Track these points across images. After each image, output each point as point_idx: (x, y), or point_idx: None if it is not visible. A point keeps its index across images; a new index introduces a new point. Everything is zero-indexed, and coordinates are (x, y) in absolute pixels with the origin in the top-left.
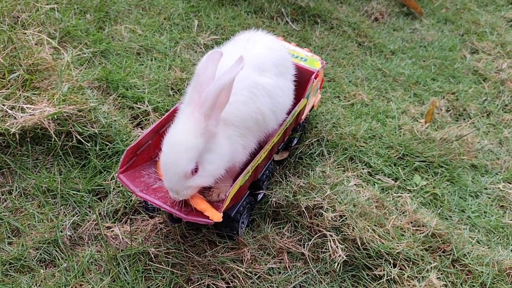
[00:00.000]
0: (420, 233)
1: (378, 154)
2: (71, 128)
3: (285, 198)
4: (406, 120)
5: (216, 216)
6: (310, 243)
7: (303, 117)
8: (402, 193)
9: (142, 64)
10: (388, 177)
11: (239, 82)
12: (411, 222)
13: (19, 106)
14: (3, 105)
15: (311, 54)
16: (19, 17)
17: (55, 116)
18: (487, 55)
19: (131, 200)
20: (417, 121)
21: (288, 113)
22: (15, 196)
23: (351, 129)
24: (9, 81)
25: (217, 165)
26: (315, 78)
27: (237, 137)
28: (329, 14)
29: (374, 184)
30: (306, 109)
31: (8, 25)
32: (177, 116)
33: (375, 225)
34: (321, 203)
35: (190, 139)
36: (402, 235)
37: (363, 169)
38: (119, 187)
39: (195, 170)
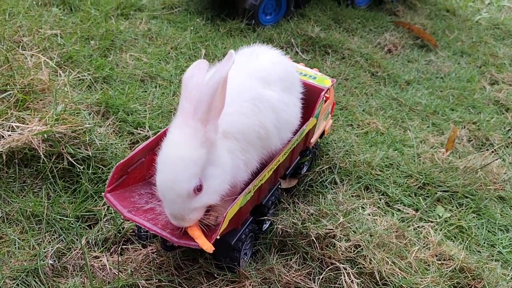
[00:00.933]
0: (447, 267)
1: (396, 183)
2: (62, 149)
3: (292, 226)
4: (426, 149)
5: (206, 245)
6: (321, 277)
7: (313, 141)
8: (424, 224)
9: (146, 91)
10: (408, 207)
11: (241, 92)
12: (436, 255)
13: (8, 125)
14: None
15: (320, 73)
16: (21, 41)
17: (45, 136)
18: (508, 85)
19: (123, 228)
20: (438, 150)
21: (295, 133)
22: None
23: (366, 157)
24: (1, 100)
25: (221, 180)
26: (325, 96)
27: (238, 151)
28: (340, 45)
29: (393, 214)
30: (316, 133)
31: (6, 46)
32: (168, 130)
33: (395, 257)
34: (334, 232)
35: (189, 151)
36: (427, 269)
37: (379, 199)
38: (111, 213)
39: (199, 188)
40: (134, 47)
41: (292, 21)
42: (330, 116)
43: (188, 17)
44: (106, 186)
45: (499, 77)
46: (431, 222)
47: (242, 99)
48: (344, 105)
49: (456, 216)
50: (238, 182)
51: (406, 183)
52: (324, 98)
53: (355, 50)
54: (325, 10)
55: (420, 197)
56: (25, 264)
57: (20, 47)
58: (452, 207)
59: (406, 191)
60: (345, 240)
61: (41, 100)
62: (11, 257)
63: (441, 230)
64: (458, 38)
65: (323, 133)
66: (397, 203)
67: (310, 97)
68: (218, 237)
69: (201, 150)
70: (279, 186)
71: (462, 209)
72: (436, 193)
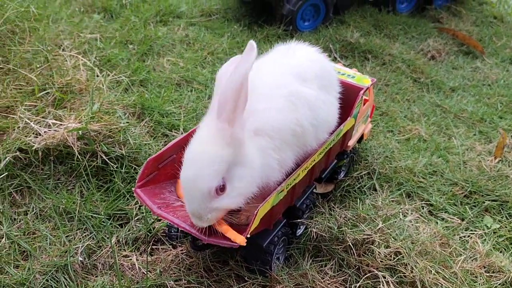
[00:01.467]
0: (496, 280)
1: (440, 191)
2: (97, 147)
3: (328, 230)
4: (472, 156)
5: (239, 238)
6: (358, 285)
7: (351, 144)
8: (471, 234)
9: (181, 94)
10: (453, 216)
11: (277, 88)
12: (484, 267)
13: (45, 122)
14: (28, 119)
15: (360, 73)
16: (62, 45)
17: (80, 133)
18: None
19: (153, 228)
20: (485, 158)
21: (332, 134)
22: (30, 217)
23: (407, 163)
24: (40, 99)
25: (248, 182)
26: (364, 97)
27: (271, 150)
28: (381, 50)
29: (436, 222)
30: (355, 136)
31: (47, 46)
32: (198, 127)
33: (439, 266)
34: (372, 237)
35: (215, 149)
36: (474, 281)
37: (422, 206)
38: (142, 213)
39: (222, 189)
40: (172, 52)
41: (330, 27)
42: (370, 119)
43: (225, 24)
44: (136, 181)
45: None
46: (481, 234)
47: (277, 95)
48: (384, 111)
49: (506, 227)
50: (271, 182)
51: (451, 191)
52: (363, 100)
53: (396, 55)
54: (365, 17)
55: (466, 206)
56: (55, 259)
57: (61, 49)
58: (502, 217)
59: (451, 200)
60: (384, 246)
61: (78, 99)
62: (42, 252)
63: (489, 241)
64: (506, 45)
65: (361, 137)
66: (441, 212)
67: (348, 97)
68: (248, 235)
69: (227, 149)
70: (315, 190)
71: None
72: (484, 202)
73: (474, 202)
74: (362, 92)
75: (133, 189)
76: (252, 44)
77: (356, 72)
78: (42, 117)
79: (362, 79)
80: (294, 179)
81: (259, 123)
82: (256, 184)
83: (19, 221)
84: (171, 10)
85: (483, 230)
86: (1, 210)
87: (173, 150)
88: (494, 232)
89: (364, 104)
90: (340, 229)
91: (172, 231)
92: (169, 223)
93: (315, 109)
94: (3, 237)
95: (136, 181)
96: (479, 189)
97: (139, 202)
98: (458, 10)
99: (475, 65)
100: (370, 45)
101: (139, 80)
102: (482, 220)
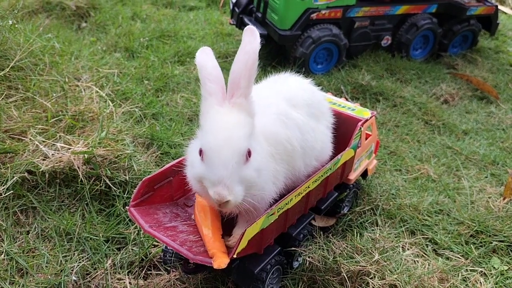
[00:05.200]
0: None
1: (445, 229)
2: (101, 172)
3: (323, 260)
4: (481, 196)
5: (218, 261)
6: None
7: (352, 177)
8: (475, 274)
9: (191, 128)
10: (458, 254)
11: (267, 107)
12: None
13: (55, 145)
14: (39, 143)
15: (360, 107)
16: (80, 78)
17: (86, 156)
18: None
19: (149, 253)
20: (495, 199)
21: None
22: (31, 236)
23: (412, 201)
24: (52, 125)
25: (263, 157)
26: (366, 132)
27: (268, 156)
28: (392, 93)
29: (437, 259)
30: (357, 170)
31: (65, 78)
32: (202, 116)
33: None
34: (367, 269)
35: (240, 117)
36: None
37: (426, 245)
38: (140, 237)
39: (249, 153)
40: (186, 89)
41: (343, 70)
42: (374, 155)
43: None
44: (131, 200)
45: None
46: (485, 275)
47: (269, 112)
48: (393, 150)
49: None
50: (266, 197)
51: (457, 230)
52: (365, 135)
53: (408, 98)
54: (378, 61)
55: (472, 246)
56: (50, 278)
57: (79, 81)
58: (510, 259)
59: (457, 239)
60: (379, 278)
61: (89, 127)
62: (39, 270)
63: (495, 284)
64: None
65: (366, 173)
66: (446, 250)
67: (348, 129)
68: (235, 256)
69: (249, 118)
70: (314, 223)
71: None
72: (491, 243)
73: (481, 242)
74: (360, 123)
75: (127, 207)
76: (250, 27)
77: (357, 106)
78: (53, 142)
79: (362, 112)
80: (286, 204)
81: (257, 129)
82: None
83: (21, 240)
84: (189, 51)
85: (489, 270)
86: (4, 228)
87: (170, 173)
88: (501, 274)
89: (366, 139)
90: (335, 260)
91: (167, 255)
92: (165, 248)
93: (303, 133)
94: (2, 254)
95: (131, 200)
96: (486, 229)
97: (138, 227)
98: (473, 57)
99: (489, 110)
100: (382, 87)
101: (152, 113)
102: (489, 261)
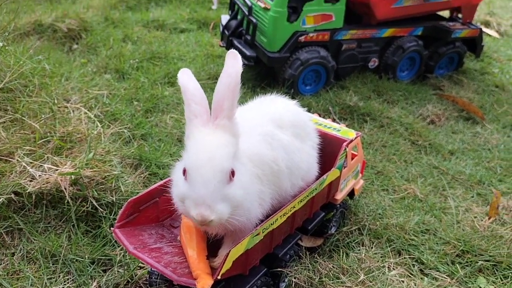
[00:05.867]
0: None
1: (431, 249)
2: (88, 193)
3: (308, 280)
4: (467, 215)
5: (202, 283)
6: None
7: (339, 198)
8: None
9: (181, 149)
10: (444, 274)
11: (253, 128)
12: None
13: (41, 166)
14: (26, 164)
15: (346, 128)
16: (69, 99)
17: (73, 177)
18: None
19: (135, 275)
20: (481, 218)
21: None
22: (16, 258)
23: (399, 221)
24: (40, 146)
25: (248, 178)
26: (352, 152)
27: (254, 177)
28: (379, 113)
29: (423, 278)
30: (344, 191)
31: (54, 99)
32: (186, 137)
33: None
34: None
35: (224, 137)
36: None
37: (413, 265)
38: (126, 259)
39: (233, 173)
40: (176, 110)
41: (331, 91)
42: (361, 175)
43: None
44: (116, 221)
45: None
46: None
47: (255, 133)
48: (380, 170)
49: None
50: (251, 218)
51: (443, 249)
52: (351, 155)
53: (395, 119)
54: (366, 83)
55: (458, 265)
56: None
57: (68, 103)
58: (496, 278)
59: (443, 258)
60: None
61: (77, 148)
62: None
63: None
64: (508, 112)
65: (353, 193)
66: (433, 270)
67: (333, 149)
68: (219, 277)
69: (233, 138)
70: (301, 243)
71: (507, 281)
72: (477, 262)
73: (467, 262)
74: (345, 144)
75: (112, 228)
76: (232, 51)
77: (342, 126)
78: (40, 163)
79: (347, 132)
80: (271, 224)
81: (241, 150)
82: (253, 188)
83: (5, 262)
84: None
85: None
86: None
87: (156, 193)
88: None
89: (352, 159)
90: (321, 280)
91: (153, 277)
92: (150, 269)
93: (289, 153)
94: None
95: (116, 221)
96: (472, 249)
97: (124, 248)
98: (459, 79)
99: (475, 130)
100: (369, 108)
101: (141, 134)
102: (475, 281)
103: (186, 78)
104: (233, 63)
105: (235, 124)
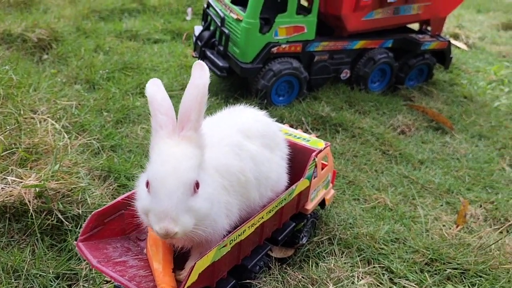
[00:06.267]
0: None
1: (401, 258)
2: (53, 206)
3: None
4: (436, 224)
5: None
6: None
7: (309, 208)
8: None
9: None
10: (413, 283)
11: (221, 139)
12: None
13: (4, 178)
14: None
15: (316, 138)
16: (37, 111)
17: (37, 190)
18: None
19: None
20: (449, 226)
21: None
22: None
23: (369, 230)
24: (4, 158)
25: (214, 189)
26: (322, 162)
27: (220, 188)
28: (351, 124)
29: (392, 287)
30: (314, 201)
31: (20, 110)
32: (151, 148)
33: None
34: None
35: (189, 149)
36: None
37: (382, 274)
38: (92, 273)
39: (197, 185)
40: (147, 121)
41: (304, 102)
42: (332, 185)
43: None
44: (79, 234)
45: None
46: None
47: (223, 144)
48: (351, 180)
49: None
50: (218, 229)
51: (412, 258)
52: (321, 165)
53: (366, 129)
54: (338, 94)
55: (426, 274)
56: None
57: (36, 114)
58: (464, 286)
59: (412, 267)
60: None
61: (43, 160)
62: None
63: None
64: (476, 122)
65: (324, 203)
66: (402, 279)
67: (303, 159)
68: None
69: (198, 150)
70: (272, 254)
71: None
72: (446, 270)
73: (435, 270)
74: (314, 154)
75: (74, 242)
76: (199, 63)
77: (312, 136)
78: (4, 175)
79: (316, 143)
80: (239, 235)
81: (208, 162)
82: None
83: None
84: None
85: None
86: None
87: (122, 206)
88: None
89: (322, 169)
90: None
91: None
92: (117, 284)
93: (257, 163)
94: None
95: (80, 234)
96: (441, 257)
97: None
98: (429, 90)
99: (444, 140)
100: (341, 119)
101: (110, 145)
102: None
103: (155, 89)
104: (200, 75)
105: (201, 136)
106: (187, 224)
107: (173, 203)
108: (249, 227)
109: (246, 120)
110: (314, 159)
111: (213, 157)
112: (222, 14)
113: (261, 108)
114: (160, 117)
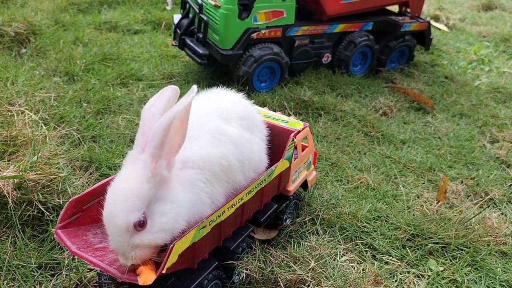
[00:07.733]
0: None
1: (383, 235)
2: (33, 196)
3: (259, 271)
4: (418, 201)
5: (144, 277)
6: None
7: (291, 189)
8: (411, 276)
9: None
10: (395, 258)
11: (200, 126)
12: None
13: None
14: None
15: (295, 119)
16: (15, 104)
17: (15, 181)
18: (509, 143)
19: (85, 277)
20: (430, 203)
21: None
22: None
23: (352, 209)
24: None
25: (172, 217)
26: (302, 144)
27: (201, 183)
28: (333, 107)
29: (373, 263)
30: (296, 182)
31: None
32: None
33: None
34: (303, 277)
35: (131, 185)
36: None
37: (365, 251)
38: (75, 262)
39: (141, 224)
40: (128, 111)
41: (286, 87)
42: (313, 167)
43: (185, 85)
44: (57, 222)
45: (500, 136)
46: (422, 276)
47: (202, 131)
48: (334, 162)
49: (450, 269)
50: (204, 218)
51: (394, 235)
52: (301, 146)
53: (348, 112)
54: (320, 78)
55: (408, 249)
56: None
57: (13, 107)
58: (446, 260)
59: (394, 243)
60: (314, 285)
61: (21, 152)
62: None
63: (433, 285)
64: (457, 102)
65: (306, 185)
66: (385, 255)
67: (282, 141)
68: (164, 271)
69: (145, 184)
70: (255, 236)
71: (455, 262)
72: (427, 245)
73: (417, 245)
74: (293, 134)
75: (53, 230)
76: (193, 88)
77: (291, 118)
78: None
79: (295, 124)
80: (218, 216)
81: (187, 156)
82: (183, 219)
83: None
84: (132, 73)
85: (425, 272)
86: None
87: (100, 192)
88: (437, 275)
89: (303, 150)
90: (272, 270)
91: (102, 278)
92: (100, 271)
93: (239, 146)
94: None
95: (57, 222)
96: (422, 232)
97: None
98: (411, 71)
99: (426, 120)
100: (323, 102)
101: (91, 136)
102: (426, 263)
103: (150, 104)
104: (181, 101)
105: (159, 168)
106: (139, 257)
107: (116, 243)
108: (228, 208)
109: (223, 103)
110: (293, 139)
111: (193, 151)
112: (200, 1)
113: (243, 94)
114: (138, 136)
